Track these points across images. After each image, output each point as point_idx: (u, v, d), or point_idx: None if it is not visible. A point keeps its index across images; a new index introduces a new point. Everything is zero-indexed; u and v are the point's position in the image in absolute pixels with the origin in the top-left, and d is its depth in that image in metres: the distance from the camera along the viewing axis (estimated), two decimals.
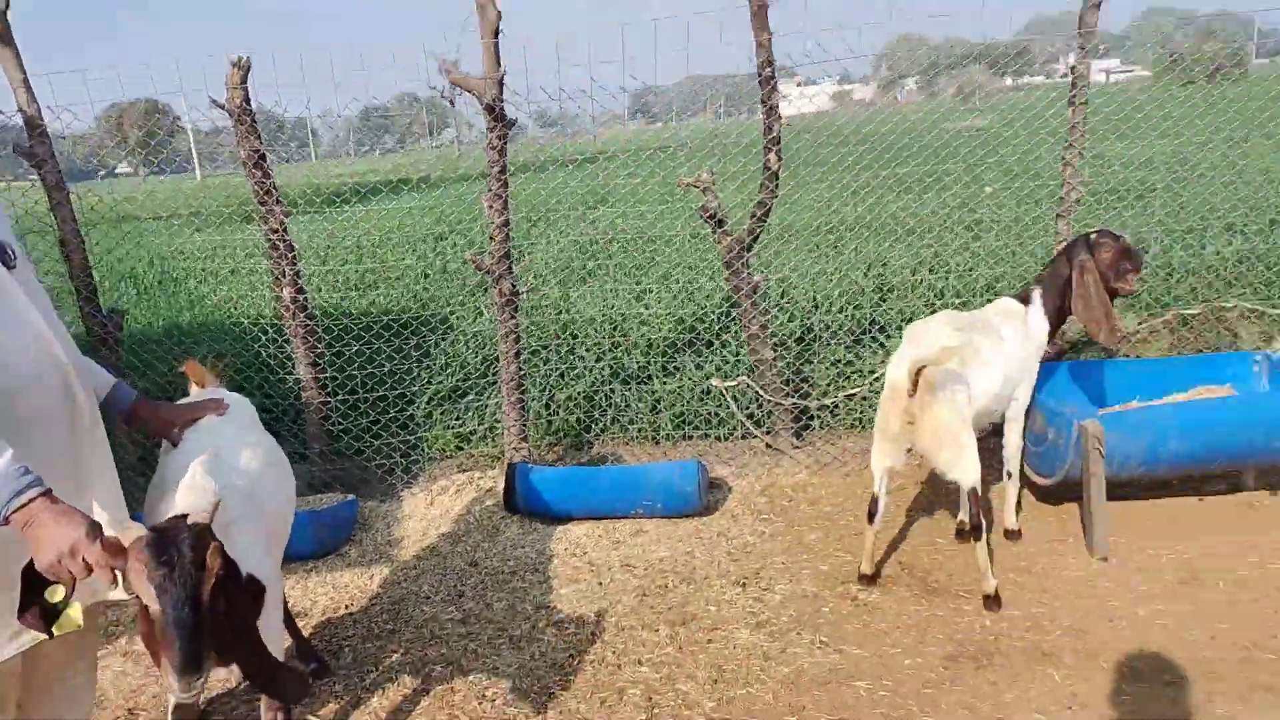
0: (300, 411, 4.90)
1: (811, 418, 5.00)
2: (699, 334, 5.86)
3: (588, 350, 5.88)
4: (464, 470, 4.98)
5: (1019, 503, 3.89)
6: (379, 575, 4.00)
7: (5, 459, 1.80)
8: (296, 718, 2.71)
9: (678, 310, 6.31)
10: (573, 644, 3.31)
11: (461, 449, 5.19)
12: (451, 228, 11.24)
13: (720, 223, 4.57)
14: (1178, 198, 7.23)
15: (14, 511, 1.81)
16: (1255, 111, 9.96)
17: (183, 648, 1.78)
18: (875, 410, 3.56)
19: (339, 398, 4.93)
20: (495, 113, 4.31)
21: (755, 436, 4.94)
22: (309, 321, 4.67)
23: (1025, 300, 3.72)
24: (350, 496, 4.54)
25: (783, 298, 6.32)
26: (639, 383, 5.46)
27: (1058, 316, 3.72)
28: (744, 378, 4.89)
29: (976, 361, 3.44)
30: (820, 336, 5.51)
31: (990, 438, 3.97)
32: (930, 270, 6.88)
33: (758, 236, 4.64)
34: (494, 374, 5.64)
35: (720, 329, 5.93)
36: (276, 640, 2.45)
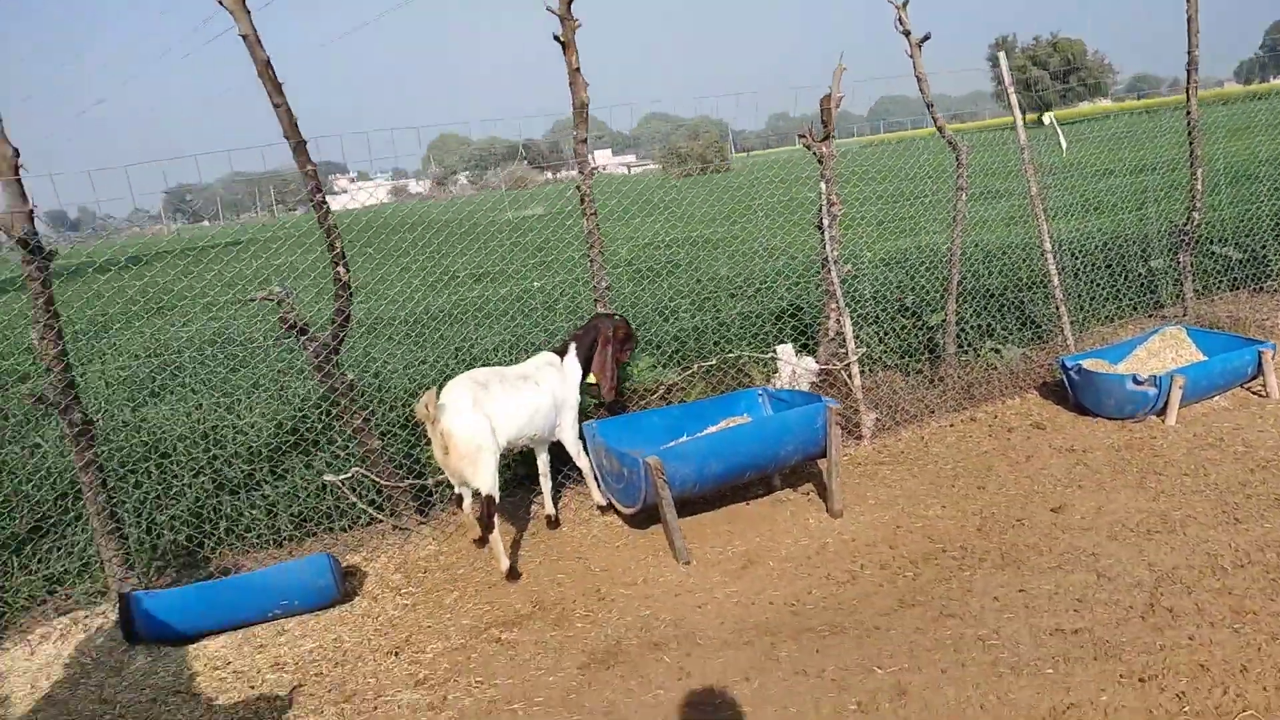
0: None
1: (431, 493, 5.44)
2: (302, 435, 5.99)
3: (181, 467, 5.69)
4: (64, 613, 4.58)
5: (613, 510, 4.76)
6: None
7: None
8: None
9: (275, 415, 6.35)
10: None
11: (54, 592, 4.75)
12: None
13: (303, 331, 4.84)
14: (696, 271, 8.99)
15: None
16: (745, 194, 12.53)
17: None
18: None
19: None
20: (30, 246, 4.15)
21: (381, 520, 5.25)
22: None
23: (562, 352, 5.12)
24: None
25: (380, 390, 6.68)
26: (248, 490, 5.45)
27: (586, 364, 5.15)
28: (357, 469, 5.18)
29: (498, 397, 4.64)
30: (412, 423, 5.96)
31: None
32: (510, 349, 7.74)
33: (342, 340, 5.00)
34: (75, 508, 5.23)
35: (324, 426, 6.10)
36: None
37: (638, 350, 6.10)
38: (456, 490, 4.91)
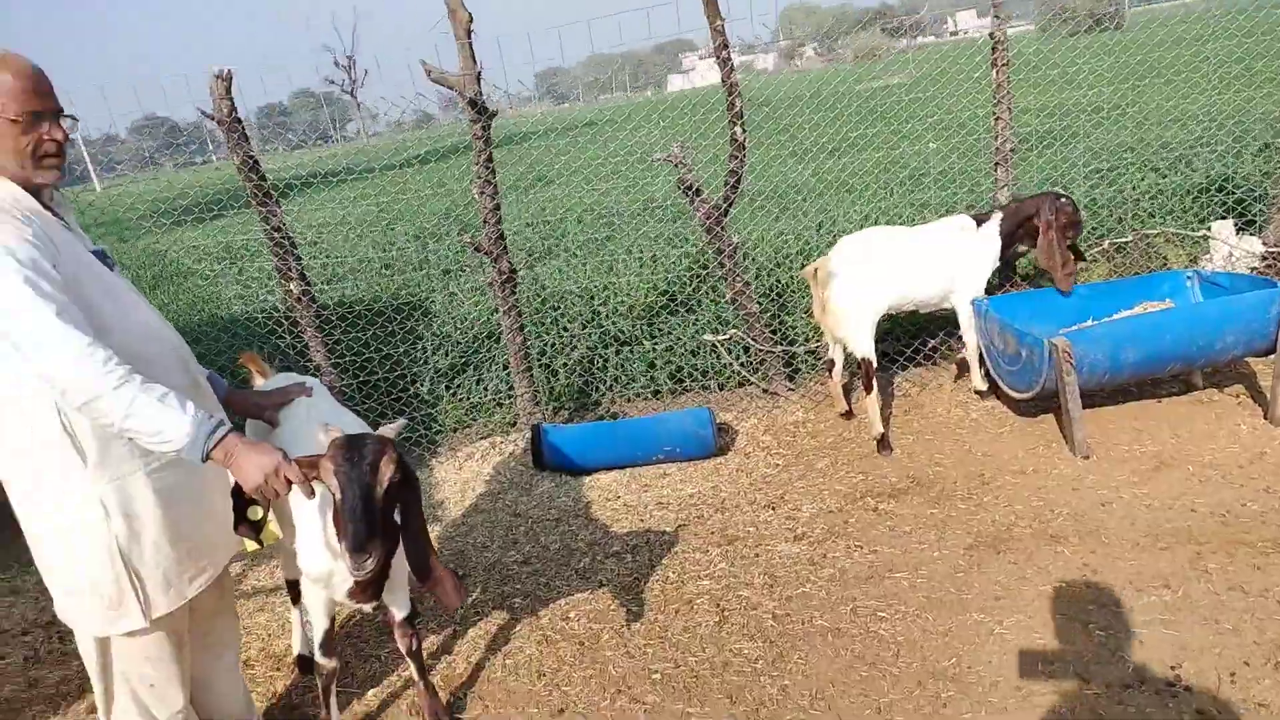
0: None
1: (801, 361, 5.44)
2: (675, 298, 6.23)
3: (571, 321, 6.20)
4: (483, 437, 5.27)
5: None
6: (434, 530, 4.28)
7: (191, 407, 2.07)
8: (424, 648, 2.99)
9: (650, 278, 6.68)
10: (633, 570, 3.67)
11: (475, 420, 5.47)
12: (397, 216, 11.35)
13: (697, 192, 4.94)
14: (1095, 141, 7.91)
15: (214, 447, 2.09)
16: (1147, 55, 10.72)
17: (354, 530, 2.12)
18: None
19: (352, 383, 5.14)
20: (477, 106, 4.56)
21: (751, 383, 5.36)
22: (323, 311, 4.88)
23: (981, 220, 4.67)
24: None
25: (745, 259, 6.74)
26: (629, 345, 5.82)
27: (1008, 241, 4.67)
28: (735, 330, 5.29)
29: (886, 257, 4.52)
30: (791, 290, 5.96)
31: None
32: (877, 223, 7.40)
33: (732, 203, 5.03)
34: (487, 350, 5.92)
35: (692, 290, 6.30)
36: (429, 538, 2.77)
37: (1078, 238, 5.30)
38: (829, 355, 4.91)
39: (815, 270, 4.65)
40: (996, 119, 5.13)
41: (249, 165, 4.51)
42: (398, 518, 2.33)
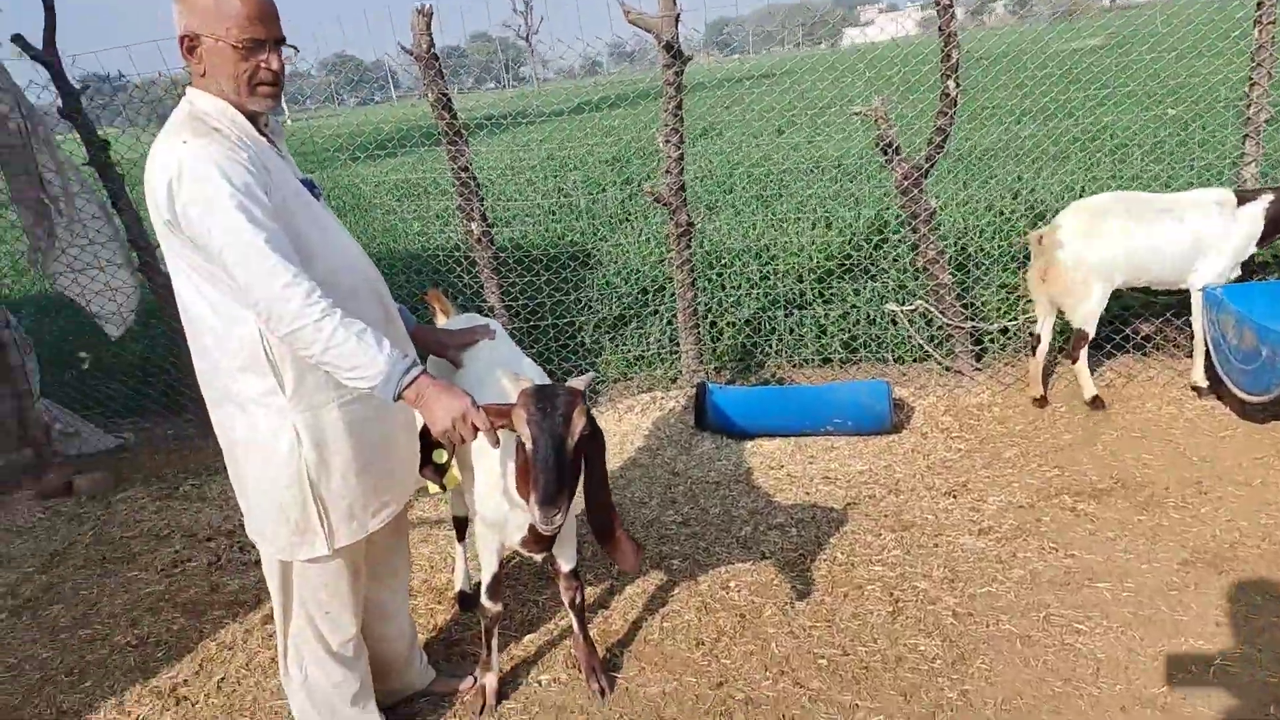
0: None
1: (991, 340, 5.05)
2: (853, 261, 5.90)
3: (739, 278, 6.00)
4: (644, 391, 5.17)
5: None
6: None
7: (387, 345, 2.03)
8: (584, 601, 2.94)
9: (824, 239, 6.36)
10: (799, 546, 3.48)
11: (638, 373, 5.38)
12: (565, 163, 11.38)
13: (897, 150, 4.60)
14: None
15: (406, 387, 2.04)
16: None
17: (546, 483, 2.02)
18: None
19: (522, 327, 5.14)
20: (673, 50, 4.37)
21: (930, 359, 5.02)
22: (500, 253, 4.88)
23: (1244, 199, 4.15)
24: None
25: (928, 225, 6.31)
26: (800, 309, 5.56)
27: (1273, 226, 4.10)
28: (921, 302, 4.95)
29: (1122, 227, 4.13)
30: (980, 262, 5.53)
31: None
32: (1082, 195, 6.78)
33: (935, 163, 4.66)
34: (652, 303, 5.81)
35: (870, 255, 5.95)
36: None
37: None
38: (1036, 329, 4.56)
39: (1041, 237, 4.33)
40: (1253, 85, 4.50)
41: (442, 102, 4.51)
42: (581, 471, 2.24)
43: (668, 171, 4.62)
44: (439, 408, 2.06)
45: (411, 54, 4.39)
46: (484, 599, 2.69)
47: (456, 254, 5.16)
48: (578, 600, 2.75)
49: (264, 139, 2.18)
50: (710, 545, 3.56)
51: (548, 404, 2.08)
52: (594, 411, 4.99)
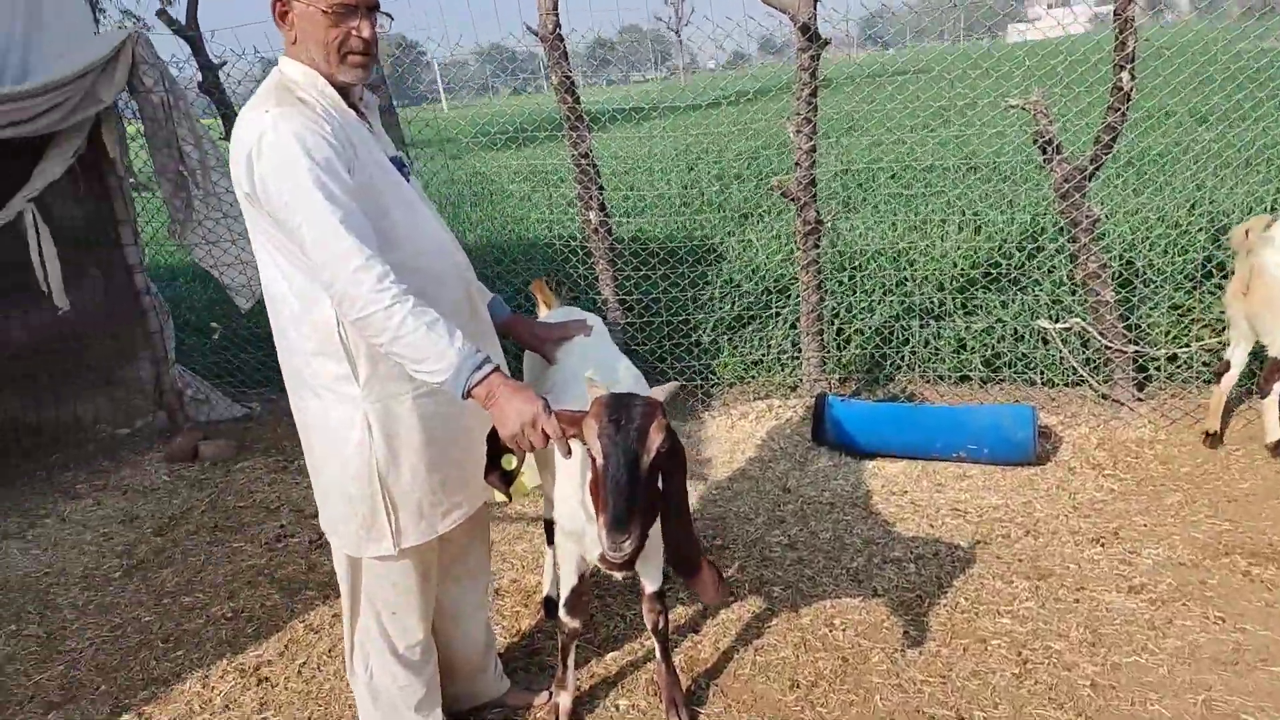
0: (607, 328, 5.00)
1: (1157, 368, 4.50)
2: (1001, 271, 5.42)
3: (872, 282, 5.62)
4: (760, 398, 4.90)
5: None
6: (694, 491, 4.01)
7: (459, 338, 1.89)
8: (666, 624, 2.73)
9: (968, 245, 5.89)
10: (915, 585, 3.15)
11: (755, 377, 5.11)
12: (699, 156, 11.14)
13: (1058, 149, 4.14)
14: None
15: (476, 385, 1.89)
16: None
17: (614, 504, 1.82)
18: None
19: (635, 322, 4.95)
20: (809, 32, 4.07)
21: (1083, 385, 4.52)
22: (616, 245, 4.71)
23: None
24: None
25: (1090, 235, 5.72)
26: (938, 319, 5.14)
27: None
28: (1078, 320, 4.46)
29: None
30: (1149, 279, 4.95)
31: None
32: (1272, 210, 6.01)
33: (1101, 165, 4.17)
34: (774, 304, 5.51)
35: (1017, 266, 5.44)
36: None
37: None
38: (1227, 355, 4.02)
39: (1246, 231, 3.74)
40: None
41: (565, 86, 4.38)
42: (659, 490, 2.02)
43: (797, 164, 4.33)
44: (509, 410, 1.89)
45: (537, 34, 4.27)
46: (562, 613, 2.52)
47: (573, 244, 5.02)
48: (661, 625, 2.54)
49: (353, 112, 2.07)
50: (817, 574, 3.27)
51: (621, 415, 1.87)
52: (706, 415, 4.78)
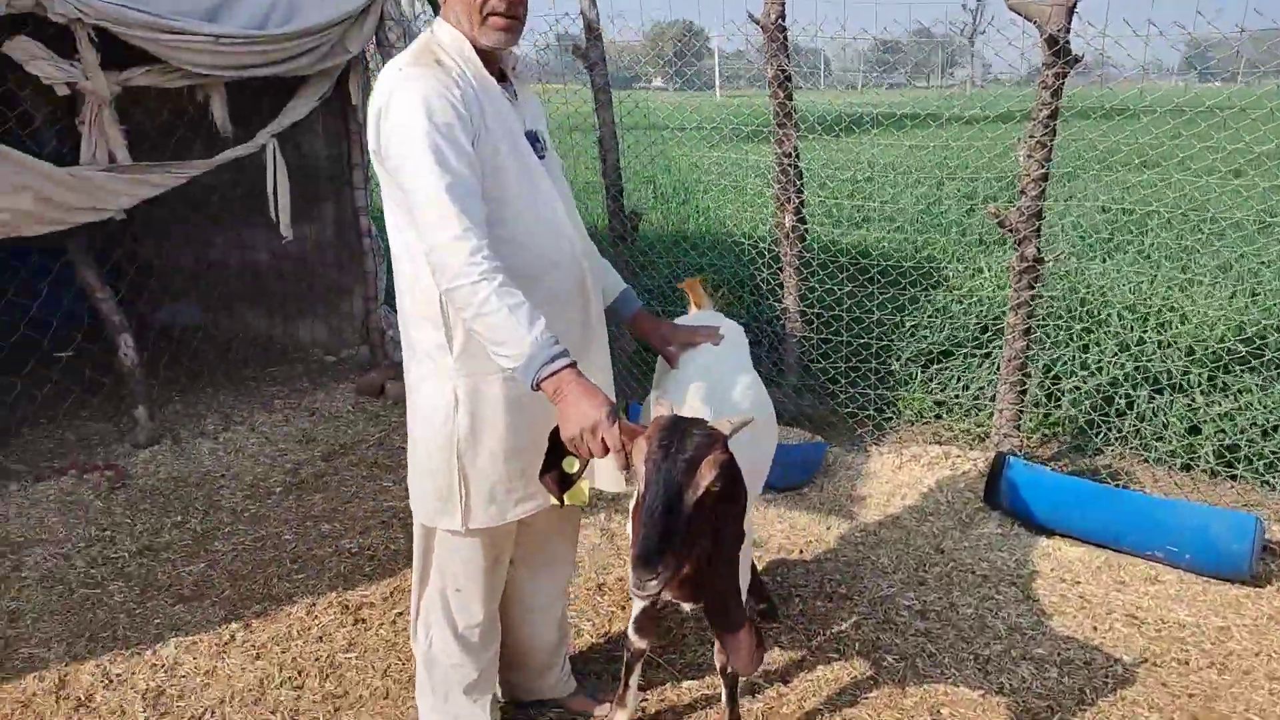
0: (781, 340, 4.75)
1: None
2: (1270, 348, 4.58)
3: (1106, 337, 4.94)
4: (939, 442, 4.47)
5: None
6: (836, 529, 3.72)
7: (539, 326, 1.81)
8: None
9: (1238, 311, 5.02)
10: (1052, 693, 2.71)
11: (938, 418, 4.67)
12: (953, 173, 10.40)
13: None
14: None
15: (546, 378, 1.80)
16: None
17: (646, 535, 1.65)
18: None
19: (820, 335, 4.65)
20: (1057, 46, 3.57)
21: None
22: (805, 252, 4.45)
23: None
24: (819, 439, 4.30)
25: None
26: (1174, 392, 4.43)
27: None
28: None
29: None
30: None
31: None
32: None
33: None
34: (987, 342, 4.99)
35: None
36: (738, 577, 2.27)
37: None
38: None
39: None
40: None
41: (778, 80, 4.16)
42: (714, 529, 1.82)
43: (1023, 192, 3.86)
44: (574, 411, 1.79)
45: (758, 23, 4.09)
46: (629, 630, 2.39)
47: (760, 246, 4.79)
48: (730, 668, 2.34)
49: (494, 80, 2.02)
50: (940, 652, 2.91)
51: (675, 442, 1.70)
52: (874, 449, 4.42)
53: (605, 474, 2.27)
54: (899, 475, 4.20)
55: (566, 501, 1.92)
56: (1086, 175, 9.64)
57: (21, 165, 3.72)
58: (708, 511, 1.72)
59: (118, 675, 2.74)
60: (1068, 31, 3.57)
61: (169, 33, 4.04)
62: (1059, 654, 2.91)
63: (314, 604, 3.15)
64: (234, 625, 3.00)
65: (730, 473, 1.74)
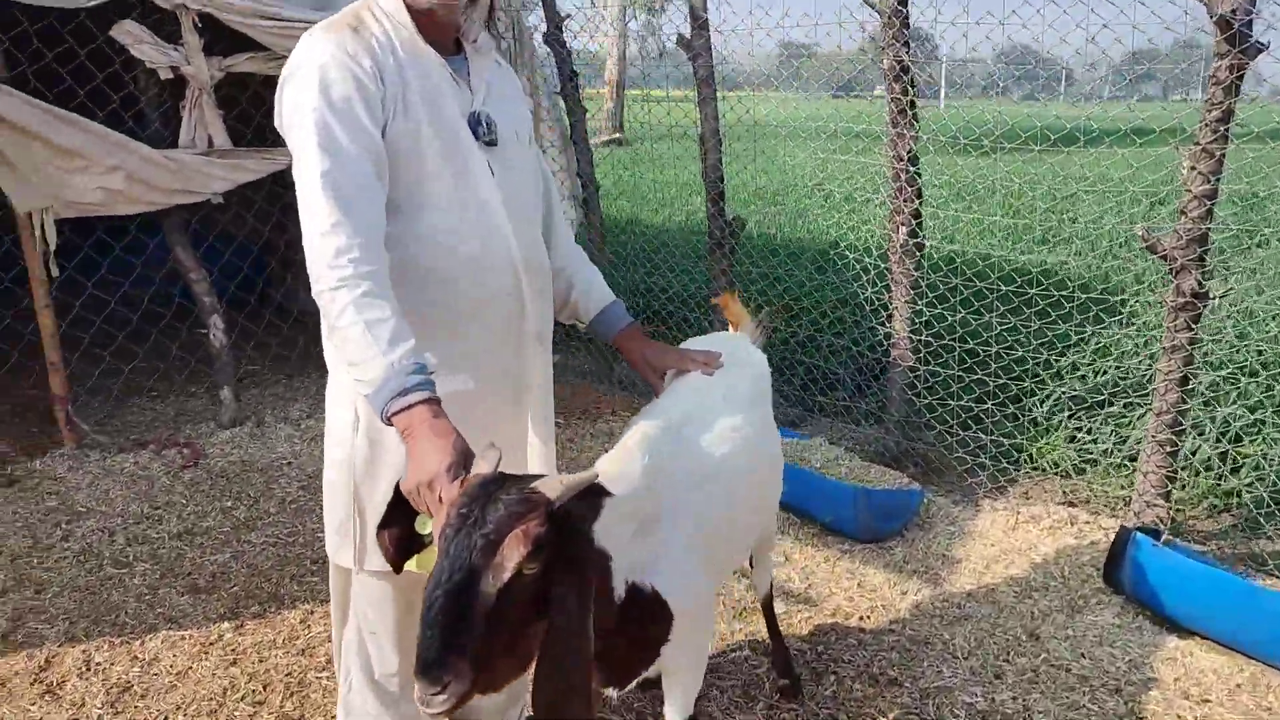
0: (886, 369, 4.20)
1: None
2: None
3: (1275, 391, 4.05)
4: (1069, 504, 3.79)
5: None
6: (913, 594, 3.18)
7: (401, 350, 1.50)
8: None
9: None
10: None
11: (1081, 472, 3.97)
12: (1176, 190, 9.10)
13: None
14: None
15: (397, 412, 1.49)
16: None
17: (424, 637, 1.25)
18: None
19: (931, 366, 4.03)
20: (1231, 30, 2.87)
21: None
22: (915, 271, 3.89)
23: None
24: (916, 486, 3.73)
25: None
26: None
27: None
28: None
29: None
30: None
31: None
32: None
33: None
34: (1138, 394, 4.21)
35: None
36: (691, 680, 1.85)
37: None
38: None
39: None
40: None
41: (894, 73, 3.65)
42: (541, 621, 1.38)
43: (1182, 213, 3.16)
44: (418, 456, 1.47)
45: (874, 7, 3.60)
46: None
47: (865, 261, 4.22)
48: None
49: (432, 51, 1.74)
50: None
51: (474, 510, 1.31)
52: (985, 501, 3.79)
53: None
54: (1010, 538, 3.58)
55: (408, 569, 1.56)
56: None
57: (116, 146, 3.84)
58: (524, 599, 1.32)
59: (97, 664, 2.68)
60: (1248, 13, 2.86)
61: (271, 19, 4.06)
62: None
63: (311, 613, 2.99)
64: (225, 625, 2.89)
65: (561, 541, 1.34)
